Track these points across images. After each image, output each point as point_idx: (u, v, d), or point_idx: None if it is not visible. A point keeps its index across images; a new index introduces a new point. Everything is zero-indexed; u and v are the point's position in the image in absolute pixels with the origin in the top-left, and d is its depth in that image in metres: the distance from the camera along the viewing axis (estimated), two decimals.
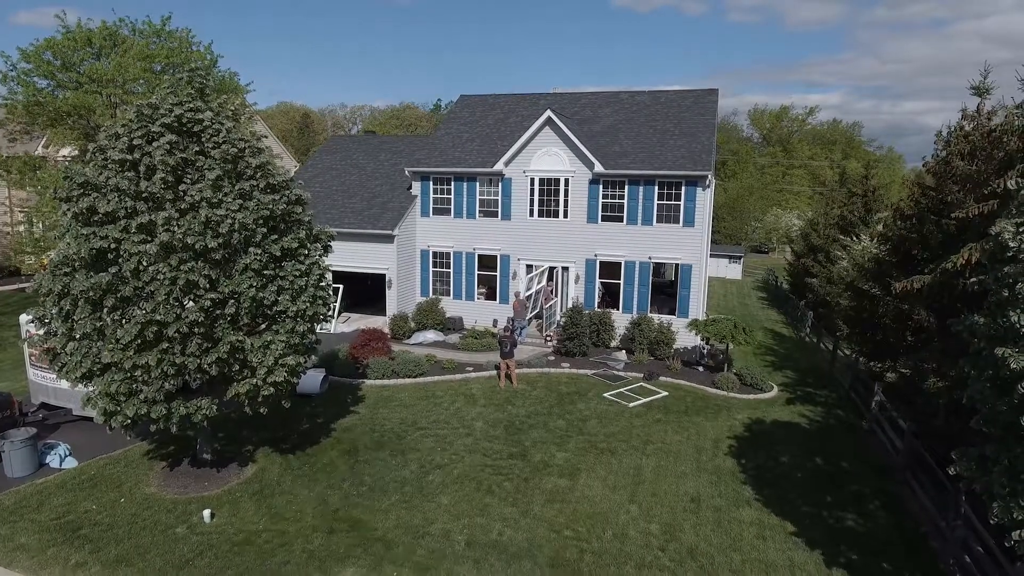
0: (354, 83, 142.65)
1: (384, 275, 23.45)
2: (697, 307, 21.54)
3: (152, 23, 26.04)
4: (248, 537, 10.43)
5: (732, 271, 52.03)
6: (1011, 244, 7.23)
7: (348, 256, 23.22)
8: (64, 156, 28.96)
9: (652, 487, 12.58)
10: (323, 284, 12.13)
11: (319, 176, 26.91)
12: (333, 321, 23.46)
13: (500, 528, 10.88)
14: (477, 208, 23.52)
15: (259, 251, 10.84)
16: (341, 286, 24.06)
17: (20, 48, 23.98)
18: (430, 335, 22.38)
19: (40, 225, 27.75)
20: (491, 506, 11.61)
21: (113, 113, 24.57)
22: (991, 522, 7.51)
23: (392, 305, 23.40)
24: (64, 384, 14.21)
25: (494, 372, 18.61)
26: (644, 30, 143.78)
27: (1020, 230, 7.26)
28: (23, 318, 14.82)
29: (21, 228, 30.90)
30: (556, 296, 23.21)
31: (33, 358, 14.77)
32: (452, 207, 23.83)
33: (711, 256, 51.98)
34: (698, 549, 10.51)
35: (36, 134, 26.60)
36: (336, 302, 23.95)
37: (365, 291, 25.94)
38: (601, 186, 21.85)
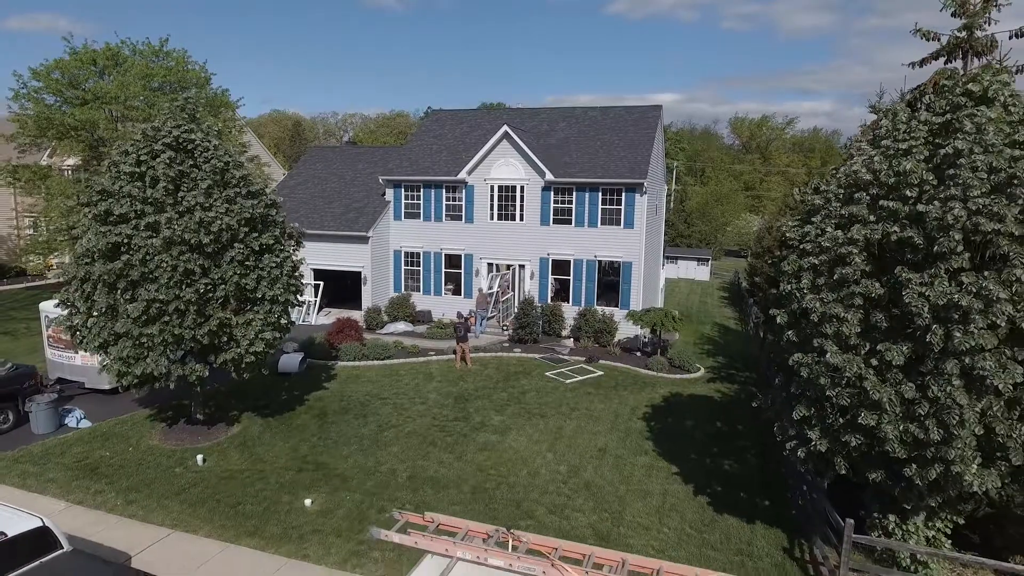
0: (346, 91, 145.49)
1: (360, 272, 26.06)
2: (637, 300, 24.22)
3: (151, 44, 28.68)
4: (232, 474, 13.02)
5: (700, 273, 54.79)
6: (788, 235, 9.93)
7: (328, 256, 25.84)
8: (69, 166, 31.51)
9: (569, 441, 15.21)
10: (296, 274, 14.77)
11: (303, 184, 29.53)
12: (314, 313, 26.06)
13: (436, 468, 13.51)
14: (444, 212, 26.19)
15: (242, 246, 13.47)
16: (322, 283, 26.67)
17: (31, 68, 26.57)
18: (401, 326, 25.00)
19: (46, 229, 30.26)
20: (432, 453, 14.23)
21: (115, 127, 27.18)
22: (778, 440, 10.19)
23: (367, 299, 26.01)
24: (78, 361, 16.87)
25: (453, 355, 21.22)
26: (637, 37, 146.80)
27: (793, 225, 9.97)
28: (43, 305, 17.43)
29: (28, 232, 33.44)
30: (513, 291, 25.87)
31: (51, 339, 17.29)
32: (421, 211, 26.49)
33: (681, 259, 55.17)
34: (593, 483, 13.15)
35: (45, 146, 29.14)
36: (317, 297, 26.59)
37: (344, 288, 28.47)
38: (552, 192, 24.55)
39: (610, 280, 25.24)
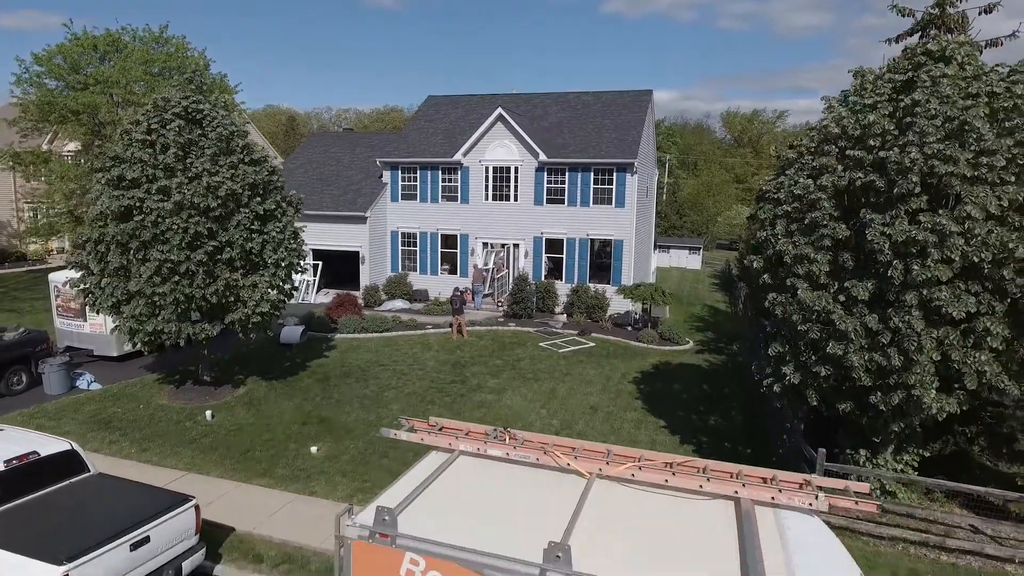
0: (340, 86, 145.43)
1: (358, 252, 26.67)
2: (628, 276, 24.93)
3: (151, 30, 29.17)
4: (241, 427, 13.65)
5: (692, 262, 55.60)
6: (764, 188, 10.63)
7: (327, 236, 26.43)
8: (69, 151, 31.96)
9: (562, 401, 15.91)
10: (297, 239, 15.41)
11: (301, 167, 30.08)
12: (313, 292, 26.66)
13: None
14: (440, 193, 26.82)
15: (247, 210, 14.09)
16: (320, 263, 27.27)
17: (33, 53, 27.01)
18: (398, 303, 25.63)
19: (47, 214, 30.71)
20: (431, 411, 14.88)
21: (116, 112, 27.67)
22: (756, 378, 10.90)
23: (365, 278, 26.64)
24: (87, 329, 17.44)
25: (449, 328, 21.88)
26: (634, 36, 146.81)
27: (770, 180, 10.68)
28: (52, 276, 17.98)
29: (27, 216, 33.92)
30: (507, 268, 26.55)
31: (60, 309, 17.84)
32: (418, 193, 27.12)
33: (674, 248, 56.01)
34: (585, 434, 13.83)
35: (46, 131, 29.56)
36: (316, 277, 27.18)
37: (343, 270, 29.02)
38: (546, 173, 25.23)
39: (602, 260, 25.96)
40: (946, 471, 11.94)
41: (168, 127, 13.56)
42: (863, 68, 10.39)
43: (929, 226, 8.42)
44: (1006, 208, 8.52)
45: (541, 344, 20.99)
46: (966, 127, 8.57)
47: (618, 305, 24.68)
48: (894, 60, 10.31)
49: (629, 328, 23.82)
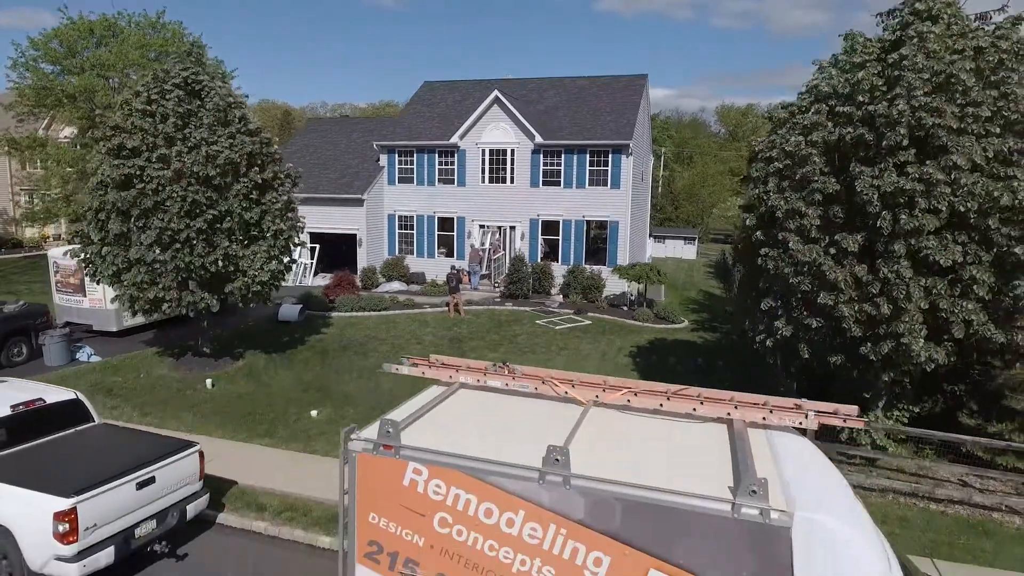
0: (336, 83, 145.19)
1: (355, 235, 26.80)
2: (624, 257, 25.12)
3: (148, 16, 29.20)
4: (241, 395, 13.80)
5: (687, 252, 55.95)
6: (756, 149, 10.83)
7: (324, 219, 26.51)
8: (65, 137, 31.97)
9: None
10: (294, 210, 15.56)
11: (299, 152, 30.13)
12: (310, 276, 26.78)
13: None
14: (437, 176, 26.96)
15: (246, 179, 14.22)
16: (318, 246, 27.37)
17: (30, 37, 27.04)
18: (395, 285, 25.79)
19: (42, 199, 30.73)
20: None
21: (113, 95, 27.71)
22: (749, 336, 11.09)
23: (362, 260, 26.76)
24: (86, 304, 17.55)
25: (446, 307, 22.04)
26: (629, 34, 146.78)
27: (762, 140, 10.87)
28: (52, 252, 18.09)
29: (22, 200, 33.93)
30: (504, 250, 26.72)
31: (60, 284, 17.93)
32: (415, 176, 27.25)
33: (669, 238, 56.31)
34: None
35: (42, 115, 29.56)
36: (313, 260, 27.30)
37: (340, 255, 29.09)
38: (542, 155, 25.38)
39: (597, 243, 26.15)
40: (935, 426, 12.20)
41: (168, 97, 13.67)
42: (853, 31, 10.59)
43: (917, 176, 8.62)
44: (991, 159, 8.73)
45: (538, 322, 21.17)
46: (952, 80, 8.77)
47: (613, 286, 24.88)
48: (882, 18, 10.51)
49: (625, 308, 24.00)
